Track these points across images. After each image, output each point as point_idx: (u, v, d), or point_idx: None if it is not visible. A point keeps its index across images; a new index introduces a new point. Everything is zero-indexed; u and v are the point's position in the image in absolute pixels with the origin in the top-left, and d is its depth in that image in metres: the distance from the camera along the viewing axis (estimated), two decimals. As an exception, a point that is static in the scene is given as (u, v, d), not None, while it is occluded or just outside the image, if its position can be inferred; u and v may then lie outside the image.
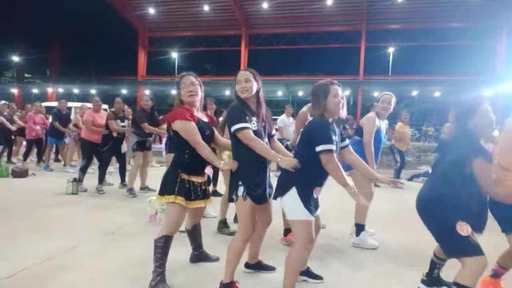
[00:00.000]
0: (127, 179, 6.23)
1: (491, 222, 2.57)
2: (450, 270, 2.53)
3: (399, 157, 7.76)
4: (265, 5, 22.96)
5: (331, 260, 3.36)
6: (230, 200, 2.57)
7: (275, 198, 2.50)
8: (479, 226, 2.35)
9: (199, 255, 3.17)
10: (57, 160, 9.68)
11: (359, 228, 3.72)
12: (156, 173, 5.68)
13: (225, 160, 3.75)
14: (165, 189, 2.65)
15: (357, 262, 3.36)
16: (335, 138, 2.40)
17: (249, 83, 2.54)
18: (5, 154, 8.86)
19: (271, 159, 2.44)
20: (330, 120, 2.45)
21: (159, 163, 9.57)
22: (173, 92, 2.85)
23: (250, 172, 2.47)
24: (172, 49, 29.17)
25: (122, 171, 6.46)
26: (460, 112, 2.44)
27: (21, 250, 3.31)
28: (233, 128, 2.43)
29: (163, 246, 2.62)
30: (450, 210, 2.27)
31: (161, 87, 26.60)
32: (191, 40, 28.50)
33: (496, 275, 2.76)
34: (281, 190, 2.40)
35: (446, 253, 2.45)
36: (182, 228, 3.21)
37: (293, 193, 2.34)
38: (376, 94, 22.43)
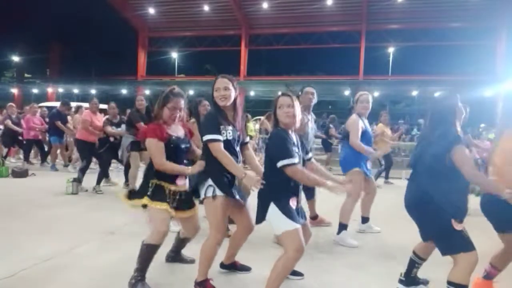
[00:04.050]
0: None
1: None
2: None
3: (384, 159, 7.66)
4: (265, 5, 22.91)
5: (328, 260, 3.36)
6: (197, 196, 2.59)
7: (260, 221, 2.42)
8: (462, 216, 2.33)
9: (175, 257, 3.16)
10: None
11: (341, 227, 3.84)
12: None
13: None
14: (134, 194, 2.64)
15: (356, 261, 3.36)
16: (295, 148, 2.37)
17: (228, 91, 2.53)
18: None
19: (236, 174, 2.43)
20: (290, 131, 2.42)
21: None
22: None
23: (219, 170, 2.45)
24: (172, 49, 29.11)
25: (126, 171, 6.47)
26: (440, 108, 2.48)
27: (21, 250, 3.32)
28: (204, 138, 2.46)
29: (146, 252, 2.58)
30: (443, 207, 2.27)
31: (161, 87, 26.43)
32: (191, 40, 28.44)
33: (488, 276, 2.69)
34: (263, 211, 2.37)
35: (443, 252, 2.36)
36: (176, 228, 3.20)
37: (272, 209, 2.31)
38: (376, 94, 22.42)
